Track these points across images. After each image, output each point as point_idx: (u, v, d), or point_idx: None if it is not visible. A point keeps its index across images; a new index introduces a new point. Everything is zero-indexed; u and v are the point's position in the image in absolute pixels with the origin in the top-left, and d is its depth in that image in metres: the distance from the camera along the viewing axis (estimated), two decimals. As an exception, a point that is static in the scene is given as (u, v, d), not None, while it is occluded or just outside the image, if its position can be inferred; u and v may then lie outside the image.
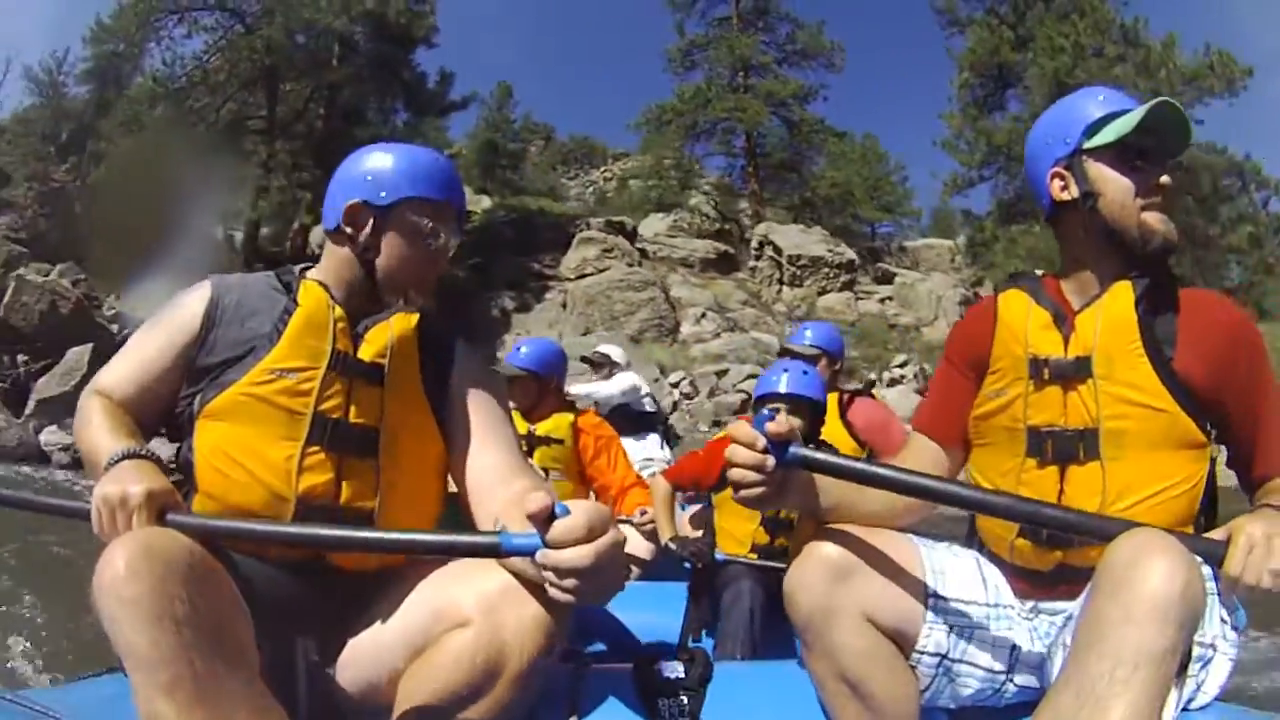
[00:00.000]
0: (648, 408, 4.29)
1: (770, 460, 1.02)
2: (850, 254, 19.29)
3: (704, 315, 17.08)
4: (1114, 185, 1.20)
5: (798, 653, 1.20)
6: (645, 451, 3.82)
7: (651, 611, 2.20)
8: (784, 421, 1.03)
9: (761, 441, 1.02)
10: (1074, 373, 1.18)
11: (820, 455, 1.06)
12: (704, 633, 2.23)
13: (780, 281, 18.89)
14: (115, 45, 19.50)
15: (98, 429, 1.16)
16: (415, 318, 1.27)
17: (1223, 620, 1.03)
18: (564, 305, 17.23)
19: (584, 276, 17.56)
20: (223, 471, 1.14)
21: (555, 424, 2.87)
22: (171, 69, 19.05)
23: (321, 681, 1.12)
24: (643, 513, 2.65)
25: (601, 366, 4.39)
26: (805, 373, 2.43)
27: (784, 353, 3.03)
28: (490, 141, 25.46)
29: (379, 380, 1.22)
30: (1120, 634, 0.87)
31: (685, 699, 1.17)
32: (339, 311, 1.23)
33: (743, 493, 1.05)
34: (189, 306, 1.24)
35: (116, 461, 1.08)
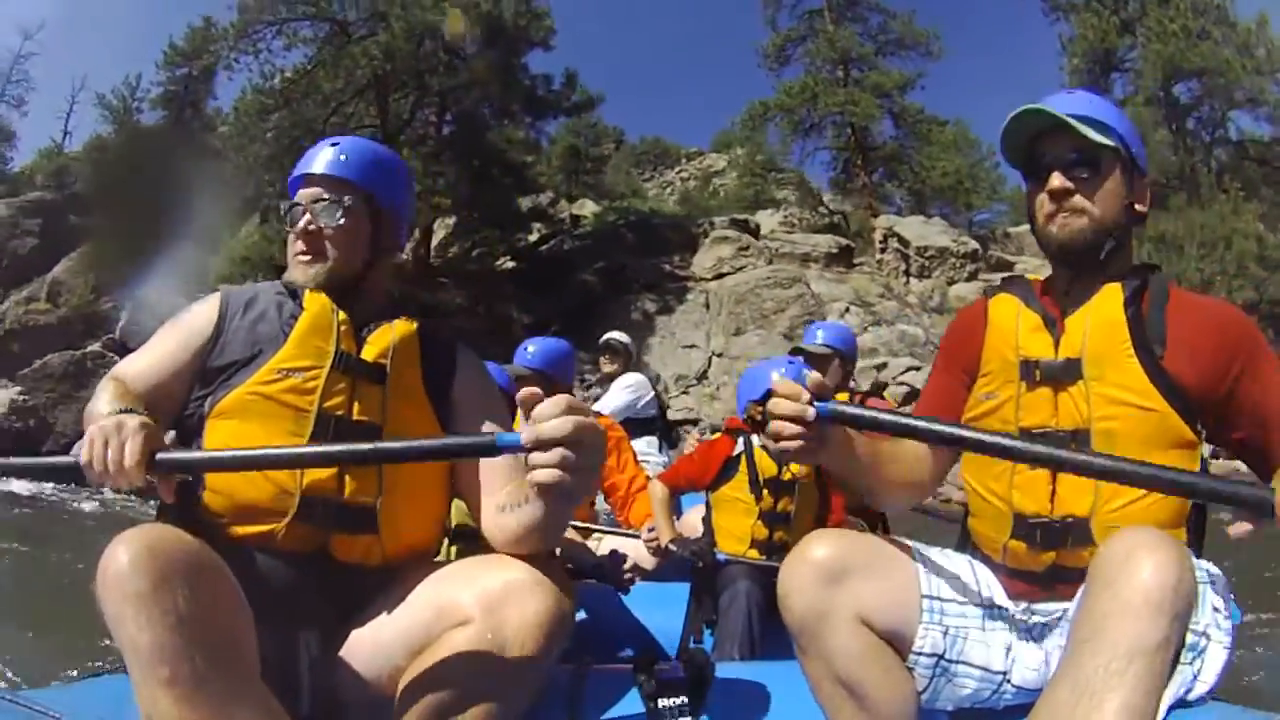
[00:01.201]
0: (649, 411, 4.01)
1: (812, 411, 1.04)
2: (973, 244, 19.14)
3: (847, 310, 16.86)
4: (1030, 202, 1.25)
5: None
6: (641, 454, 3.60)
7: (651, 611, 2.22)
8: (817, 375, 1.07)
9: (806, 394, 1.05)
10: (1064, 374, 1.19)
11: (851, 408, 1.07)
12: (705, 632, 2.21)
13: (907, 274, 18.75)
14: (191, 68, 19.01)
15: (103, 403, 1.16)
16: (415, 324, 1.34)
17: (1215, 609, 1.01)
18: (706, 305, 16.96)
19: (721, 276, 17.30)
20: None
21: None
22: (270, 82, 18.62)
23: (324, 676, 1.14)
24: (650, 529, 2.60)
25: (619, 354, 4.04)
26: (791, 363, 2.52)
27: (796, 352, 3.04)
28: (573, 146, 25.20)
29: (381, 379, 1.27)
30: (1115, 627, 0.88)
31: (685, 699, 1.18)
32: (342, 315, 1.29)
33: (783, 443, 1.06)
34: (203, 313, 1.31)
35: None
